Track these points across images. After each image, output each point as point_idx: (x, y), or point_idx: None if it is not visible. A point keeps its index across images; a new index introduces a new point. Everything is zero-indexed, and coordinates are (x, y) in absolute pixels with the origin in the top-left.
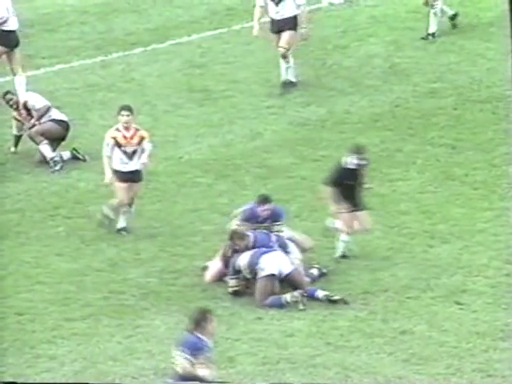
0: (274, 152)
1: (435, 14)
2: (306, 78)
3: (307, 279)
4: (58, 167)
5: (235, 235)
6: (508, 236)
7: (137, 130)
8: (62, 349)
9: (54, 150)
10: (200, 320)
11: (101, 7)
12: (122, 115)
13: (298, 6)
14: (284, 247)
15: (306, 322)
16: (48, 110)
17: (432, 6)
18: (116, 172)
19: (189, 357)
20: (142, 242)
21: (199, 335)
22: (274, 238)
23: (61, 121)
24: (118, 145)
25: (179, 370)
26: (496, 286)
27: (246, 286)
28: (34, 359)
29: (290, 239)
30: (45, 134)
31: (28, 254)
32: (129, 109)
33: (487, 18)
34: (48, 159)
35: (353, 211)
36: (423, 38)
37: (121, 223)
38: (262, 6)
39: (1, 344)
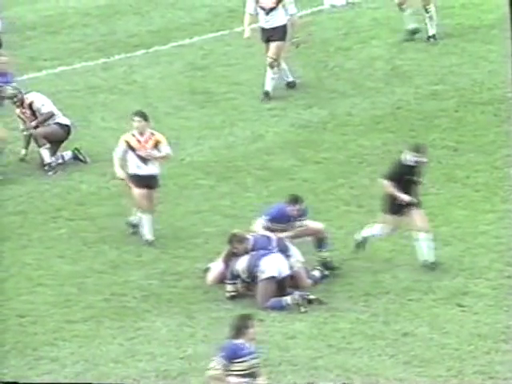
0: (275, 154)
1: (431, 17)
2: (308, 80)
3: (309, 281)
4: (51, 173)
5: (234, 238)
6: (510, 238)
7: (152, 134)
8: (64, 351)
9: (54, 153)
10: (241, 326)
11: (103, 9)
12: (134, 121)
13: (290, 15)
14: (285, 250)
15: (308, 324)
16: (52, 116)
17: (426, 11)
18: (132, 176)
19: (225, 363)
20: (143, 244)
21: (241, 342)
22: (274, 241)
23: (65, 125)
24: (132, 149)
25: (209, 374)
26: (498, 288)
27: (246, 288)
28: (36, 361)
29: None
30: (48, 137)
31: (30, 256)
32: (141, 115)
33: (489, 20)
34: (45, 163)
35: (408, 209)
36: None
37: (148, 234)
38: (251, 14)
39: (2, 346)
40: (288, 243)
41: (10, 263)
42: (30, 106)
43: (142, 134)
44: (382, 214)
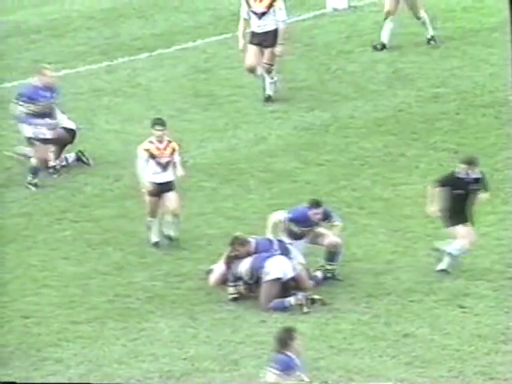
0: (278, 156)
1: (424, 22)
2: (311, 83)
3: (311, 282)
4: (56, 175)
5: (236, 241)
6: (510, 240)
7: (169, 141)
8: (68, 352)
9: (58, 156)
10: (286, 339)
11: (107, 13)
12: (157, 130)
13: (280, 22)
14: (286, 253)
15: (310, 325)
16: (56, 124)
17: (418, 18)
18: (148, 183)
19: (282, 374)
20: (147, 246)
21: (288, 354)
22: (276, 244)
23: (70, 129)
24: (153, 156)
25: None
26: (498, 289)
27: (249, 290)
28: (40, 362)
29: (318, 235)
30: (55, 142)
31: (35, 257)
32: (162, 123)
33: (490, 23)
34: (49, 165)
35: (457, 223)
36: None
37: (168, 231)
38: (246, 19)
39: (7, 347)
40: (289, 246)
41: (15, 265)
42: None
43: (160, 141)
44: (448, 230)
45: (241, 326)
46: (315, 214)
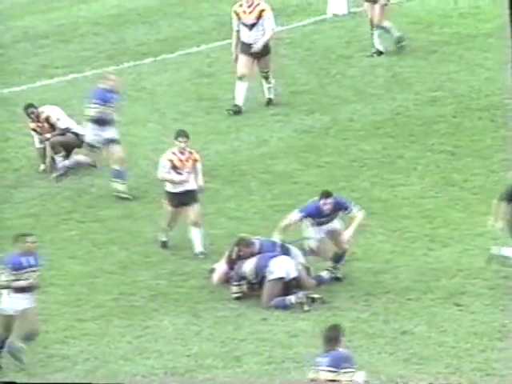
0: (279, 158)
1: (388, 31)
2: (311, 86)
3: (312, 281)
4: (63, 178)
5: (242, 242)
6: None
7: (190, 153)
8: (74, 349)
9: (66, 158)
10: (338, 335)
11: (113, 19)
12: (180, 141)
13: (263, 29)
14: (287, 254)
15: (310, 323)
16: (68, 129)
17: (382, 28)
18: (168, 194)
19: (339, 371)
20: (151, 246)
21: (340, 349)
22: (278, 246)
23: (79, 134)
24: (174, 167)
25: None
26: (494, 288)
27: (251, 289)
28: (47, 359)
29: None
30: (64, 146)
31: (42, 256)
32: (185, 135)
33: (486, 29)
34: (58, 168)
35: None
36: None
37: (198, 247)
38: (237, 31)
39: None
40: (290, 246)
41: None
42: (47, 119)
43: (182, 152)
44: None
45: (243, 324)
46: (325, 204)
